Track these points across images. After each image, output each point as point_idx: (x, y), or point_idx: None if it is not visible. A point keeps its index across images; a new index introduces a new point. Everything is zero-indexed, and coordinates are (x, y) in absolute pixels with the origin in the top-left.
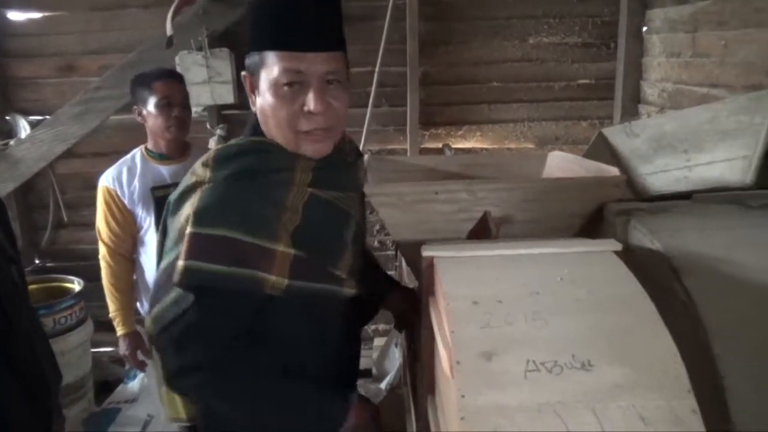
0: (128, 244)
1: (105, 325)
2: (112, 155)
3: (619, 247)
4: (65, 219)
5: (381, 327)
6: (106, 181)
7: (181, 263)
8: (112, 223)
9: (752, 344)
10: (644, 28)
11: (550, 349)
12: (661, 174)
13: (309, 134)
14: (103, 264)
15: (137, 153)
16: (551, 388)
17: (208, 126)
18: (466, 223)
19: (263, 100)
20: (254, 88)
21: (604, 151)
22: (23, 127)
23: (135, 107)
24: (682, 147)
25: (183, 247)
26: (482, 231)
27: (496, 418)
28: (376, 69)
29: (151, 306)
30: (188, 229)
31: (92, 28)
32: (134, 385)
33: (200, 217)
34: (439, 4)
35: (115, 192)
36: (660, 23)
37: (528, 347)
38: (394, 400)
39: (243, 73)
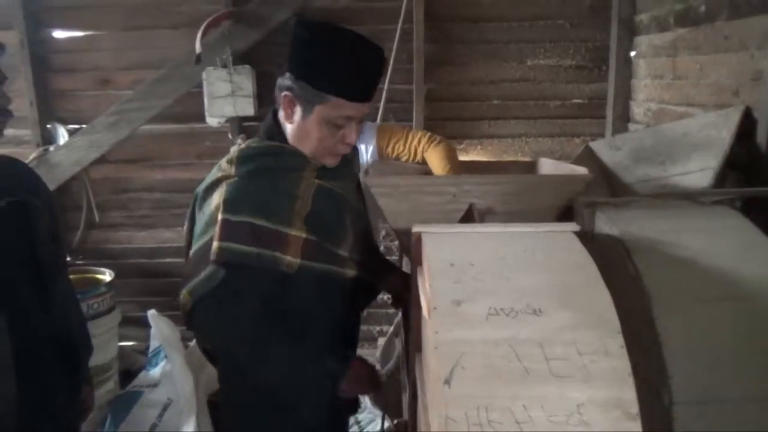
0: None
1: (130, 320)
2: (140, 162)
3: (577, 228)
4: (97, 220)
5: (385, 328)
6: None
7: (216, 244)
8: None
9: (685, 308)
10: (632, 53)
11: (509, 299)
12: (641, 183)
13: (336, 154)
14: None
15: None
16: (507, 327)
17: (230, 136)
18: (454, 213)
19: (310, 125)
20: (295, 105)
21: (590, 162)
22: (62, 135)
23: None
24: (659, 159)
25: (216, 231)
26: (469, 222)
27: (462, 347)
28: (385, 86)
29: (188, 279)
30: (219, 216)
31: (126, 45)
32: (156, 371)
33: (228, 205)
34: (443, 28)
35: None
36: (646, 48)
37: (491, 297)
38: (394, 384)
39: (286, 93)
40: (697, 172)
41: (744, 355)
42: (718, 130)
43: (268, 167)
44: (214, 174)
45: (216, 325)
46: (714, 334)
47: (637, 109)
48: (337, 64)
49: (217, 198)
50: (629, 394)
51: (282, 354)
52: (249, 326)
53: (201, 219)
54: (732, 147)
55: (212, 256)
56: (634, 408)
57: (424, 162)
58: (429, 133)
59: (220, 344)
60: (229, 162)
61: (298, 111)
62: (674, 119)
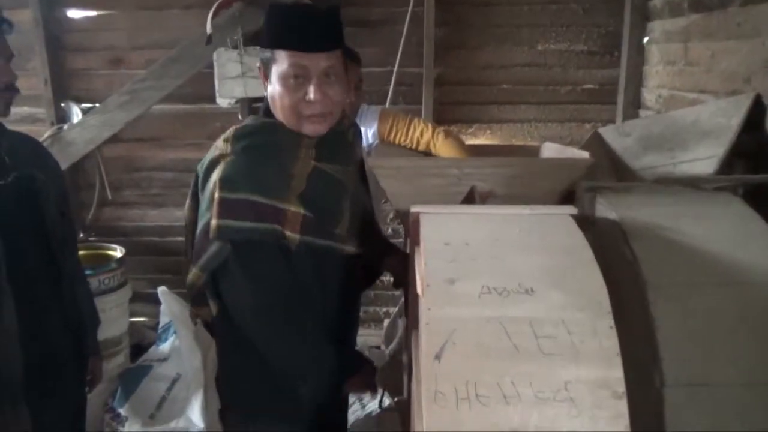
0: None
1: (141, 296)
2: (152, 141)
3: (574, 211)
4: (109, 198)
5: (391, 310)
6: None
7: (213, 222)
8: None
9: (681, 293)
10: (645, 39)
11: (501, 279)
12: (649, 170)
13: (309, 117)
14: None
15: None
16: (499, 306)
17: (240, 117)
18: (456, 195)
19: (273, 88)
20: (266, 77)
21: (598, 148)
22: (76, 113)
23: None
24: (667, 146)
25: (213, 209)
26: (470, 204)
27: (454, 324)
28: (395, 69)
29: (197, 258)
30: (216, 195)
31: (139, 25)
32: (165, 346)
33: (224, 184)
34: (454, 11)
35: None
36: (658, 34)
37: (484, 276)
38: (395, 364)
39: (258, 64)
40: (704, 159)
41: (737, 340)
42: (728, 117)
43: (262, 144)
44: (211, 153)
45: (231, 297)
46: (708, 319)
47: (649, 96)
48: (276, 20)
49: (215, 177)
50: (617, 373)
51: (291, 327)
52: (261, 298)
53: (203, 199)
54: (740, 135)
55: (210, 235)
56: (621, 387)
57: (426, 152)
58: (431, 124)
59: (235, 315)
60: (226, 140)
61: (267, 80)
62: (685, 106)
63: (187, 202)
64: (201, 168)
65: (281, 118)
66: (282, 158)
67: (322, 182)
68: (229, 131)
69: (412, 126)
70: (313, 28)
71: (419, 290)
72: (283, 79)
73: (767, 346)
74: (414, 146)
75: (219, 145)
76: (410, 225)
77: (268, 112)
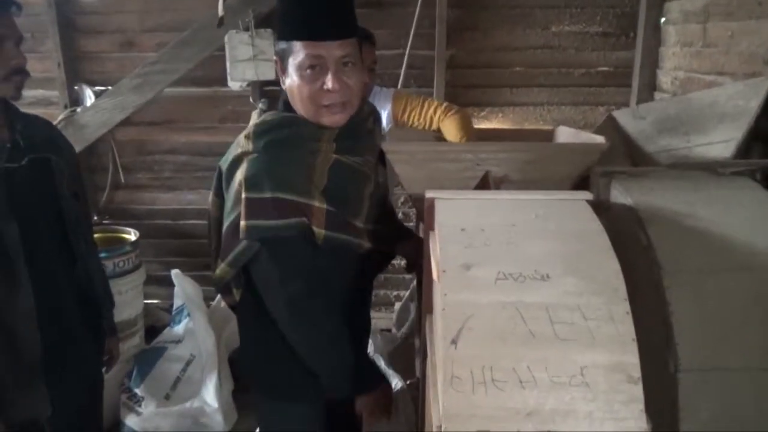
0: None
1: (154, 279)
2: (164, 125)
3: (590, 196)
4: (123, 180)
5: (401, 293)
6: None
7: (243, 223)
8: None
9: (696, 279)
10: (662, 19)
11: (517, 265)
12: (664, 153)
13: (328, 108)
14: None
15: None
16: (515, 292)
17: (251, 100)
18: (470, 180)
19: (291, 80)
20: (283, 70)
21: (612, 132)
22: (89, 96)
23: None
24: (683, 129)
25: (242, 210)
26: (484, 189)
27: (470, 309)
28: (406, 52)
29: (225, 254)
30: (243, 195)
31: (151, 8)
32: (179, 328)
33: (250, 183)
34: None
35: None
36: (676, 14)
37: (500, 262)
38: (407, 347)
39: (274, 57)
40: (721, 143)
41: (752, 325)
42: (746, 100)
43: (283, 139)
44: (233, 151)
45: (265, 290)
46: (723, 305)
47: (664, 78)
48: (289, 11)
49: (239, 175)
50: (632, 358)
51: (320, 320)
52: (293, 291)
53: (228, 197)
54: (759, 118)
55: (241, 235)
56: (636, 372)
57: (438, 131)
58: (445, 103)
59: (270, 307)
60: (247, 137)
61: (285, 73)
62: (702, 88)
63: (211, 197)
64: (224, 165)
65: (300, 110)
66: (303, 152)
67: (343, 174)
68: (250, 128)
69: (426, 105)
70: (327, 17)
71: (435, 276)
72: (300, 70)
73: None
74: (428, 126)
75: (241, 143)
76: (425, 210)
77: (287, 106)
